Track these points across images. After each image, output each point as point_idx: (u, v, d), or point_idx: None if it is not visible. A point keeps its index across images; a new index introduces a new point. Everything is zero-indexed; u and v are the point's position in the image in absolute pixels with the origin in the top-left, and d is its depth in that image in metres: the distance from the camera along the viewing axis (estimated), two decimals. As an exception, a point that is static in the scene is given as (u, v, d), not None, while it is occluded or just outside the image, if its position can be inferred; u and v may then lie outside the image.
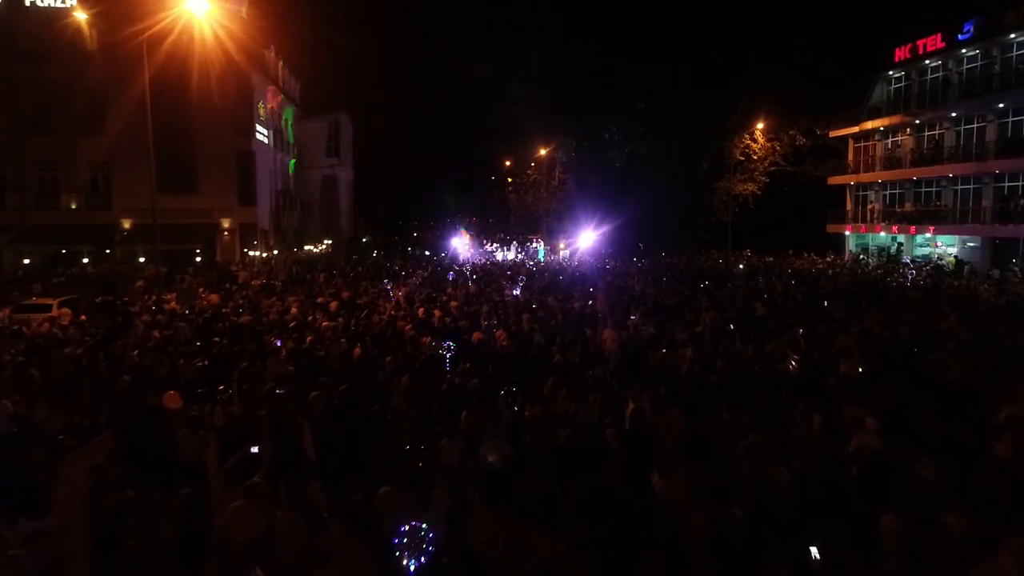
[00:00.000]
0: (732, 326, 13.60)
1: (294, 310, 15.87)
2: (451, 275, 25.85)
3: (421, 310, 15.73)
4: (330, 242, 45.50)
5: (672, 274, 26.78)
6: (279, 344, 11.93)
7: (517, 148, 53.04)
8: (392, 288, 21.39)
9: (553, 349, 11.49)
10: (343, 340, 12.26)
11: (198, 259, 31.32)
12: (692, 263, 33.08)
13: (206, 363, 10.70)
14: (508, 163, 58.55)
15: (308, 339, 12.19)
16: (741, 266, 29.35)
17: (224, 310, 16.44)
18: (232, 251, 34.16)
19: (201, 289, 19.07)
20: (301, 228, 45.41)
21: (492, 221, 61.30)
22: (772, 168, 40.61)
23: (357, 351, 11.21)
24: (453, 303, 17.36)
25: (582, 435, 7.01)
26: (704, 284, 22.17)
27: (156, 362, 10.72)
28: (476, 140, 57.23)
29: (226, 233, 34.26)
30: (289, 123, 44.72)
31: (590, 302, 17.79)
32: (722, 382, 8.88)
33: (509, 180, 57.32)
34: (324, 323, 14.27)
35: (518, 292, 20.73)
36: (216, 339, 12.24)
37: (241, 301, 18.39)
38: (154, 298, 18.33)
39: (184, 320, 15.14)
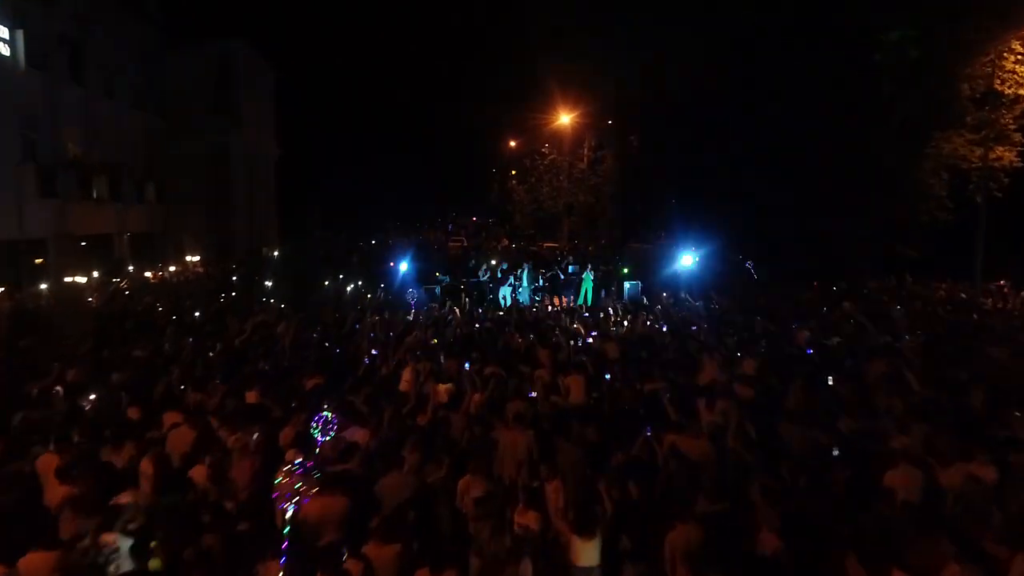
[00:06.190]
0: None
1: None
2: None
3: None
4: (197, 259, 25.35)
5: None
6: None
7: (527, 119, 34.23)
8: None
9: None
10: None
11: None
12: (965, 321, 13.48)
13: None
14: (513, 144, 40.46)
15: None
16: None
17: None
18: None
19: None
20: (157, 236, 25.55)
21: (493, 221, 43.31)
22: (1024, 121, 20.53)
23: None
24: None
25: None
26: None
27: None
28: (475, 104, 40.87)
29: None
30: (123, 44, 24.72)
31: None
32: None
33: (512, 173, 40.42)
34: None
35: None
36: None
37: None
38: None
39: None
